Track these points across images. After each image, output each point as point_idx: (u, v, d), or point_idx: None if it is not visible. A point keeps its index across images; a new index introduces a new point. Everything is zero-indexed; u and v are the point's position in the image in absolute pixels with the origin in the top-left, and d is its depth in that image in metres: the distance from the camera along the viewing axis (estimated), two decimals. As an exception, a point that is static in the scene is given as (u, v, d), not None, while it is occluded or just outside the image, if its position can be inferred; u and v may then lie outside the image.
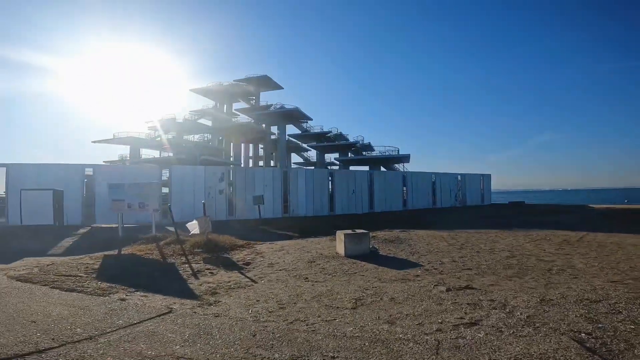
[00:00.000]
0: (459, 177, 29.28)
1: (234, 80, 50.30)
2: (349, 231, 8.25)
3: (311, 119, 49.89)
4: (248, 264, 7.51)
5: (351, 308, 4.51)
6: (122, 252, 8.60)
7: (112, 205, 10.59)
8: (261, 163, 54.56)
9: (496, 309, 4.25)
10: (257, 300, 4.99)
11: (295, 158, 59.80)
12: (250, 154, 58.31)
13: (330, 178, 23.41)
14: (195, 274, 6.58)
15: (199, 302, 4.89)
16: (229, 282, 6.07)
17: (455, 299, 4.67)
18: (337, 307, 4.58)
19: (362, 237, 8.09)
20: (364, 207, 24.11)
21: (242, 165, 48.40)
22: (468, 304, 4.47)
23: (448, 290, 5.11)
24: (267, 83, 50.64)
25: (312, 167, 48.86)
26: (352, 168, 40.81)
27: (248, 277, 6.37)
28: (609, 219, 17.44)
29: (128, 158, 48.76)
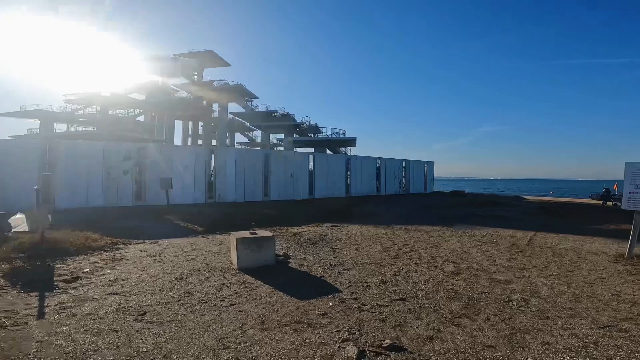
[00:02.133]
0: (404, 164, 28.18)
1: (174, 55, 44.78)
2: (246, 234, 5.92)
3: (257, 97, 46.18)
4: (75, 279, 4.89)
5: None
6: None
7: None
8: (200, 142, 50.05)
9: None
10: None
11: (240, 138, 55.93)
12: (190, 133, 53.50)
13: (266, 159, 20.82)
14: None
15: None
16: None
17: (367, 386, 2.55)
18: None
19: (264, 243, 5.79)
20: (303, 192, 21.94)
21: (180, 144, 43.80)
22: (387, 402, 2.36)
23: (361, 355, 3.00)
24: (212, 59, 45.78)
25: (244, 147, 45.72)
26: (297, 150, 38.39)
27: (38, 309, 3.79)
28: (546, 212, 17.02)
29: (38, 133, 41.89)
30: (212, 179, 18.85)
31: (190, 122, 52.73)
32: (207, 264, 5.92)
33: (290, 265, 5.98)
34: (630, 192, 6.47)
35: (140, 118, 47.18)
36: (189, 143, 50.56)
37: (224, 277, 5.26)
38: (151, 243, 7.63)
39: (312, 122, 41.53)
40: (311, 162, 22.82)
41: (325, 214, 13.35)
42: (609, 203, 20.92)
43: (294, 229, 9.71)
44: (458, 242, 8.27)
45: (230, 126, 48.62)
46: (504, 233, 9.71)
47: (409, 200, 22.69)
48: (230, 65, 49.46)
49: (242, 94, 44.22)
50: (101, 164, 15.47)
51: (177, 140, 47.50)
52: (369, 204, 18.63)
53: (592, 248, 7.67)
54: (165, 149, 18.13)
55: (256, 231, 6.08)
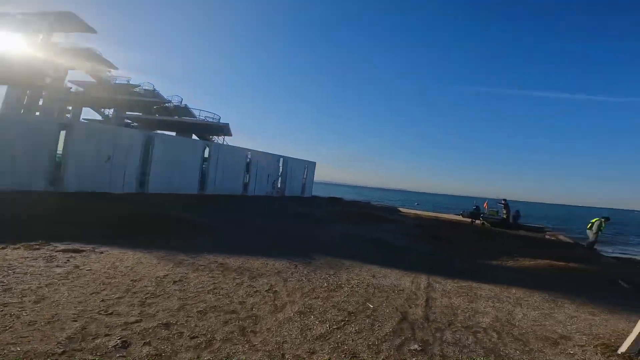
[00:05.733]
0: (281, 161, 23.78)
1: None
2: None
3: (116, 68, 35.97)
4: None
5: None
6: None
7: None
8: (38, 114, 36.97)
9: None
10: None
11: (93, 114, 43.85)
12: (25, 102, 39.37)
13: (59, 132, 13.56)
14: None
15: None
16: None
17: None
18: None
19: None
20: (128, 184, 15.26)
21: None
22: None
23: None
24: (71, 22, 33.70)
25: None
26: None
27: None
28: (429, 235, 14.33)
29: None
30: None
31: (28, 91, 38.77)
32: None
33: None
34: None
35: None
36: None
37: None
38: None
39: (182, 103, 34.05)
40: (146, 144, 16.31)
41: (112, 221, 7.58)
42: (477, 221, 19.86)
43: None
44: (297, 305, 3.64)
45: (77, 99, 37.17)
46: (384, 282, 5.55)
47: (276, 205, 18.14)
48: (96, 32, 37.52)
49: (92, 59, 33.80)
50: None
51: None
52: (210, 207, 13.31)
53: (552, 326, 3.92)
54: None
55: None
